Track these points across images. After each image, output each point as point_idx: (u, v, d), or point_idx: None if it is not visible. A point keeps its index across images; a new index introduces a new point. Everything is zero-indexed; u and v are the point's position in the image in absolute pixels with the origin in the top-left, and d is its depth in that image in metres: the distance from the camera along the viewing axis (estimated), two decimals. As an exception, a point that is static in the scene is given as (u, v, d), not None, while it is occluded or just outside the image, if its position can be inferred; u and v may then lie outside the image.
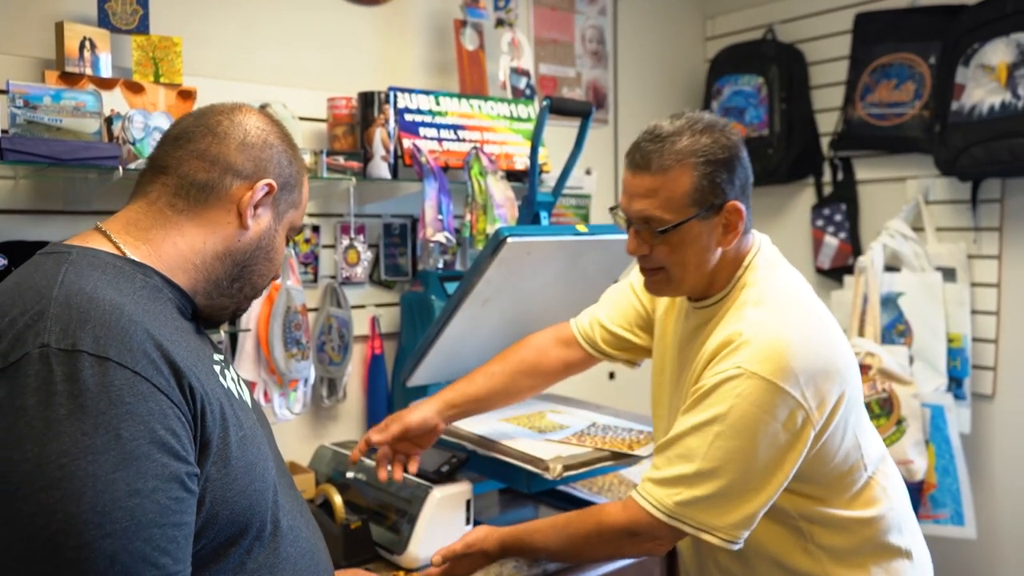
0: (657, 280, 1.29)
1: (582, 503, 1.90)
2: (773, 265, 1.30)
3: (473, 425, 1.72)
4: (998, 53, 2.19)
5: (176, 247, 0.97)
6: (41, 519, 0.74)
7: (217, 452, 0.88)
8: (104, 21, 1.61)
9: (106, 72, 1.60)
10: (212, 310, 1.04)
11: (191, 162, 0.99)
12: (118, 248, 0.94)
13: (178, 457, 0.81)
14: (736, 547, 1.20)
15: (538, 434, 1.72)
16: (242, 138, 1.01)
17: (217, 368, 0.98)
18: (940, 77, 2.34)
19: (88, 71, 1.57)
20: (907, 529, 1.33)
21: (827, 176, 2.71)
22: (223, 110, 1.04)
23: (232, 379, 1.03)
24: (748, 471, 1.16)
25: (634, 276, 1.52)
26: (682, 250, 1.23)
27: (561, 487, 1.94)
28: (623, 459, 1.65)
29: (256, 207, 1.01)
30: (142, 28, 1.65)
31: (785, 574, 1.30)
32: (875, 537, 1.28)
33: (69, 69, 1.55)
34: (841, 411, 1.21)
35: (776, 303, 1.23)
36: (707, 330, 1.28)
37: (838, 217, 2.65)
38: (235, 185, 1.00)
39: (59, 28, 1.55)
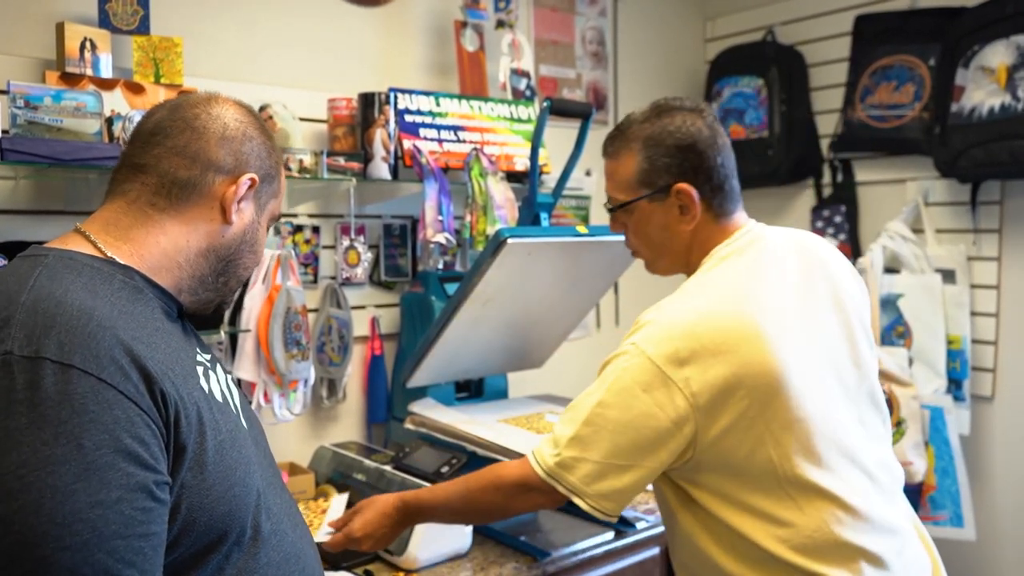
0: (642, 260, 1.40)
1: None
2: (739, 252, 1.28)
3: (472, 427, 1.73)
4: (998, 55, 2.19)
5: (159, 246, 0.96)
6: None
7: (193, 458, 0.86)
8: (105, 22, 1.61)
9: (107, 73, 1.60)
10: (197, 305, 1.03)
11: (170, 159, 0.97)
12: (98, 249, 0.93)
13: (146, 466, 0.79)
14: (611, 520, 1.23)
15: (536, 435, 1.72)
16: (222, 132, 0.99)
17: (200, 370, 0.96)
18: (940, 79, 2.34)
19: (89, 72, 1.57)
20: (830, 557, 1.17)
21: (827, 178, 2.71)
22: (198, 102, 1.01)
23: (218, 380, 1.00)
24: (618, 444, 1.17)
25: None
26: (643, 230, 1.33)
27: (561, 488, 1.93)
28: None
29: (239, 202, 1.01)
30: (143, 29, 1.65)
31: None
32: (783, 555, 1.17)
33: (70, 69, 1.55)
34: (740, 408, 1.14)
35: (694, 287, 1.25)
36: None
37: (838, 219, 2.65)
38: (217, 181, 0.98)
39: (60, 28, 1.55)
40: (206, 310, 1.06)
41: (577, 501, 1.21)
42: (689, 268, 1.33)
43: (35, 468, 0.73)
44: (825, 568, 1.14)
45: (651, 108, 1.31)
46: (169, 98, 1.15)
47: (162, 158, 0.97)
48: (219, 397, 0.97)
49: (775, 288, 1.23)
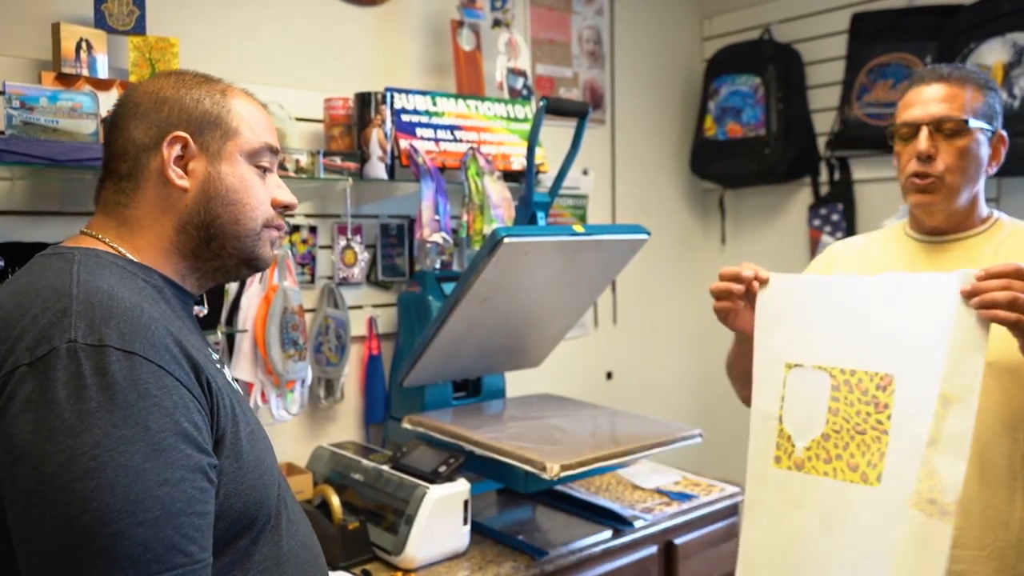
0: (932, 189, 1.38)
1: (580, 504, 1.91)
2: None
3: (470, 427, 1.73)
4: (994, 53, 2.19)
5: (146, 239, 0.98)
6: (76, 508, 0.75)
7: (230, 446, 0.90)
8: (101, 22, 1.61)
9: (103, 73, 1.59)
10: (216, 275, 1.03)
11: (114, 161, 0.99)
12: (114, 248, 0.96)
13: (200, 449, 0.84)
14: None
15: (536, 434, 1.72)
16: (134, 111, 0.98)
17: (218, 366, 1.00)
18: (936, 77, 2.34)
19: (85, 72, 1.57)
20: None
21: (824, 176, 2.71)
22: (122, 97, 1.02)
23: (230, 377, 1.04)
24: None
25: None
26: (965, 157, 1.37)
27: (559, 487, 1.94)
28: (621, 459, 1.65)
29: (183, 165, 0.98)
30: (139, 29, 1.65)
31: None
32: None
33: (66, 70, 1.55)
34: None
35: None
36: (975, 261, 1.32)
37: (835, 217, 2.65)
38: (152, 158, 0.97)
39: (55, 29, 1.55)
40: (228, 277, 1.06)
41: None
42: (965, 213, 1.40)
43: (108, 448, 0.77)
44: None
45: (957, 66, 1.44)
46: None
47: (110, 161, 0.99)
48: (237, 391, 1.01)
49: None
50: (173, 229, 0.98)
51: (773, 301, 1.31)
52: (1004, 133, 1.41)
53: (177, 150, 0.97)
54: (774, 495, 1.25)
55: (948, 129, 1.37)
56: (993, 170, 1.41)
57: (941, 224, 1.41)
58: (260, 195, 1.02)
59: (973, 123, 1.36)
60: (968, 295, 1.11)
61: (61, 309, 0.82)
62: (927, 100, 1.40)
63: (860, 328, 1.19)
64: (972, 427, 1.08)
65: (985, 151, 1.39)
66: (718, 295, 1.37)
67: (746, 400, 1.56)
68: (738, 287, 1.34)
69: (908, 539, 1.09)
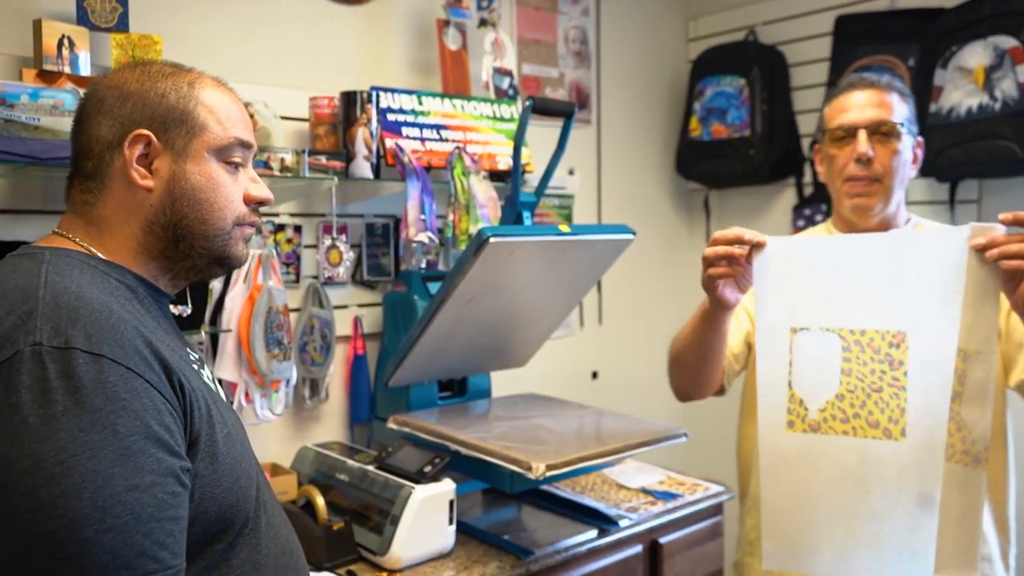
0: (871, 191, 1.45)
1: (565, 503, 1.91)
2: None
3: (455, 427, 1.72)
4: (976, 56, 2.21)
5: (115, 240, 0.96)
6: (42, 515, 0.73)
7: (205, 449, 0.88)
8: (83, 19, 1.59)
9: (85, 70, 1.58)
10: (189, 275, 1.01)
11: (80, 159, 0.97)
12: (86, 248, 0.94)
13: (172, 452, 0.82)
14: None
15: (519, 434, 1.72)
16: (98, 107, 0.95)
17: (195, 367, 0.98)
18: (919, 79, 2.36)
19: (67, 69, 1.56)
20: None
21: (808, 177, 2.73)
22: (87, 91, 0.99)
23: (208, 377, 1.02)
24: None
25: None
26: (899, 159, 1.44)
27: (544, 487, 1.94)
28: (607, 458, 1.65)
29: (148, 164, 0.95)
30: (122, 26, 1.63)
31: None
32: None
33: (47, 67, 1.53)
34: None
35: None
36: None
37: (819, 217, 2.67)
38: (116, 157, 0.94)
39: (37, 26, 1.53)
40: (203, 275, 1.03)
41: None
42: (893, 215, 1.49)
43: (75, 453, 0.75)
44: None
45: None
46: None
47: (77, 158, 0.97)
48: (216, 392, 1.00)
49: None
50: (140, 230, 0.96)
51: (771, 265, 1.28)
52: (921, 139, 1.52)
53: (140, 149, 0.94)
54: (792, 459, 1.23)
55: (884, 132, 1.42)
56: (914, 173, 1.50)
57: (876, 227, 1.46)
58: (229, 193, 0.99)
59: (905, 126, 1.43)
60: (983, 248, 1.11)
61: (27, 311, 0.80)
62: (862, 105, 1.45)
63: (866, 287, 1.19)
64: (993, 377, 1.13)
65: (910, 155, 1.47)
66: (715, 260, 1.29)
67: (684, 392, 1.55)
68: (740, 250, 1.27)
69: (947, 488, 1.13)
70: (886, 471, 1.17)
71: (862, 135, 1.42)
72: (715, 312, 1.37)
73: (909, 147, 1.47)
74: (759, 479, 1.39)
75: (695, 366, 1.46)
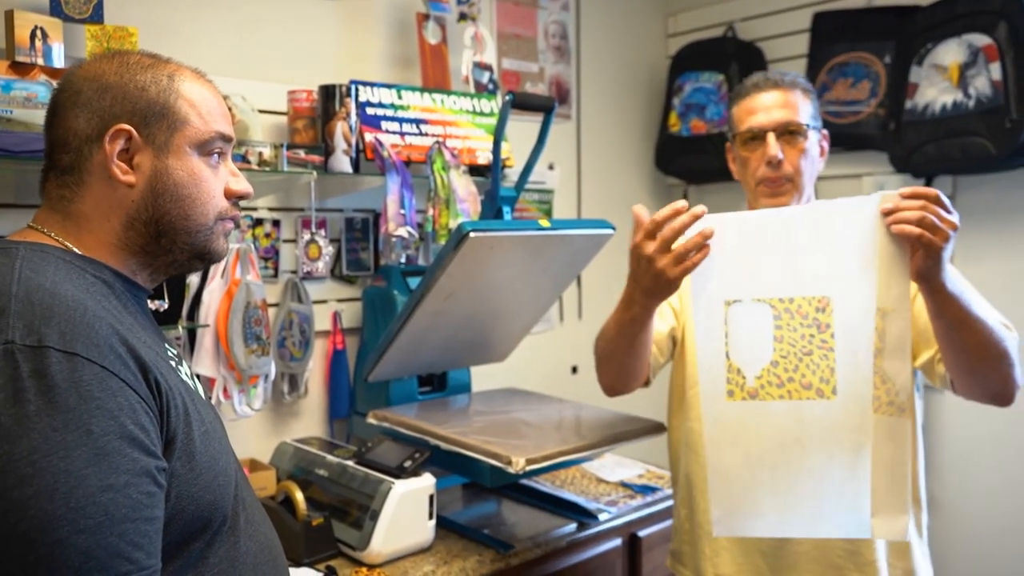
0: (784, 191, 1.47)
1: (545, 497, 1.92)
2: None
3: (435, 422, 1.72)
4: (950, 53, 2.24)
5: (93, 235, 0.94)
6: (13, 516, 0.73)
7: (182, 447, 0.87)
8: (56, 10, 1.57)
9: (59, 62, 1.56)
10: (168, 269, 1.00)
11: (56, 152, 0.94)
12: (61, 243, 0.92)
13: (147, 452, 0.81)
14: None
15: (501, 429, 1.72)
16: (75, 99, 0.93)
17: (172, 363, 0.97)
18: (895, 76, 2.39)
19: (40, 61, 1.53)
20: None
21: (785, 172, 2.75)
22: (61, 82, 0.97)
23: (186, 374, 1.01)
24: None
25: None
26: (808, 156, 1.47)
27: (524, 481, 1.94)
28: (585, 452, 1.66)
29: (128, 159, 0.93)
30: (96, 18, 1.61)
31: None
32: None
33: (20, 59, 1.51)
34: None
35: None
36: None
37: (796, 213, 2.69)
38: (95, 151, 0.92)
39: (9, 17, 1.51)
40: (182, 269, 1.01)
41: None
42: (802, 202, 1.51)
43: (47, 454, 0.74)
44: None
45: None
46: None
47: (52, 151, 0.95)
48: (193, 389, 0.98)
49: None
50: (121, 225, 0.94)
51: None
52: (826, 131, 1.54)
53: (121, 143, 0.92)
54: (734, 427, 1.28)
55: (791, 132, 1.45)
56: (822, 165, 1.53)
57: (796, 200, 1.48)
58: (211, 188, 0.98)
59: (811, 125, 1.47)
60: (886, 213, 1.18)
61: None
62: (769, 106, 1.47)
63: (791, 257, 1.25)
64: (910, 331, 1.21)
65: (817, 150, 1.50)
66: (699, 248, 1.24)
67: (612, 387, 1.55)
68: (709, 230, 1.24)
69: (876, 439, 1.22)
70: (821, 429, 1.24)
71: (771, 138, 1.45)
72: (652, 306, 1.35)
73: (816, 143, 1.50)
74: (687, 468, 1.49)
75: (624, 361, 1.47)
